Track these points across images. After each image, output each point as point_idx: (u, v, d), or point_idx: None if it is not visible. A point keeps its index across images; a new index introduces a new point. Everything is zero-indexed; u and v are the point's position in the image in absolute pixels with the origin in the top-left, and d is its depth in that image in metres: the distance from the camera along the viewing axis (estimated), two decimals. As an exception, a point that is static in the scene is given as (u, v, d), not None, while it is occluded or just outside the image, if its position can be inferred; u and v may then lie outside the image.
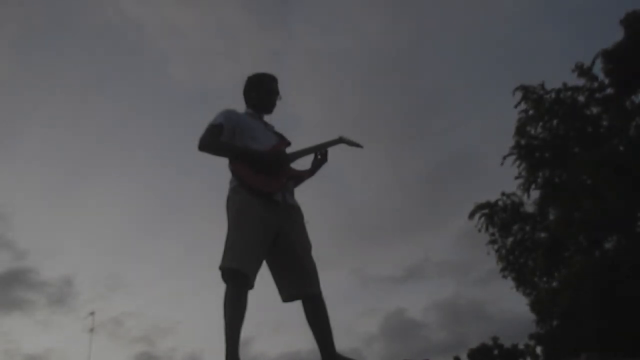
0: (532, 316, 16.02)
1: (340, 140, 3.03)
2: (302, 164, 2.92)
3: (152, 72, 43.48)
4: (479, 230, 16.90)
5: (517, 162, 16.10)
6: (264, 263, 2.63)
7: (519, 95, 16.22)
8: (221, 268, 2.50)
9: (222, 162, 2.74)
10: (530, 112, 15.91)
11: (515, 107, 16.16)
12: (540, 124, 15.84)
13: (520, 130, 16.01)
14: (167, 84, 42.33)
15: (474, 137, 41.80)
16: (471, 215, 17.07)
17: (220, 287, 2.50)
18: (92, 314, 12.56)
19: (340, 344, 2.60)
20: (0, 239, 31.21)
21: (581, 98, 15.57)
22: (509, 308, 42.39)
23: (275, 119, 3.01)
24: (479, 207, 17.08)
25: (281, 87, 3.00)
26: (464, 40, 43.95)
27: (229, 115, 2.78)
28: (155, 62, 41.18)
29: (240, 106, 2.96)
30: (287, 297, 2.62)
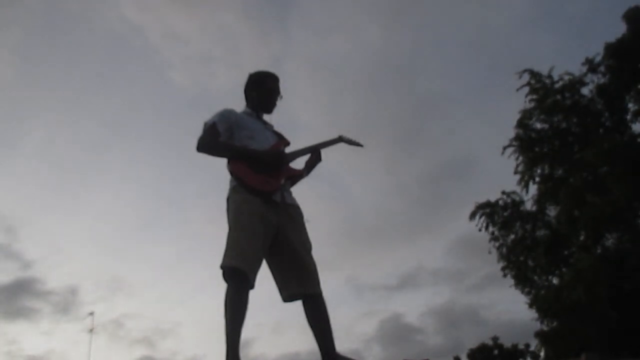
0: (528, 318, 16.04)
1: (340, 140, 3.02)
2: (297, 163, 2.91)
3: (153, 77, 43.49)
4: (480, 230, 16.86)
5: (516, 155, 16.10)
6: (264, 263, 2.62)
7: (519, 81, 16.13)
8: (222, 267, 2.48)
9: (222, 163, 2.73)
10: (533, 103, 15.82)
11: (518, 90, 16.06)
12: (542, 117, 15.78)
13: (522, 123, 15.95)
14: (168, 89, 42.35)
15: (473, 142, 41.82)
16: (472, 216, 17.04)
17: (221, 288, 2.50)
18: (91, 314, 12.56)
19: (338, 345, 2.60)
20: (7, 249, 31.36)
21: (586, 92, 15.56)
22: (504, 313, 42.53)
23: (274, 122, 3.00)
24: (480, 207, 17.04)
25: (281, 90, 2.97)
26: (463, 44, 43.95)
27: (227, 114, 2.77)
28: (156, 68, 41.18)
29: (240, 108, 2.94)
30: (287, 296, 2.61)
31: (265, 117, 2.97)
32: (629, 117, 15.17)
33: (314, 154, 2.92)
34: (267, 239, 2.57)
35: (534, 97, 15.81)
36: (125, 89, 42.33)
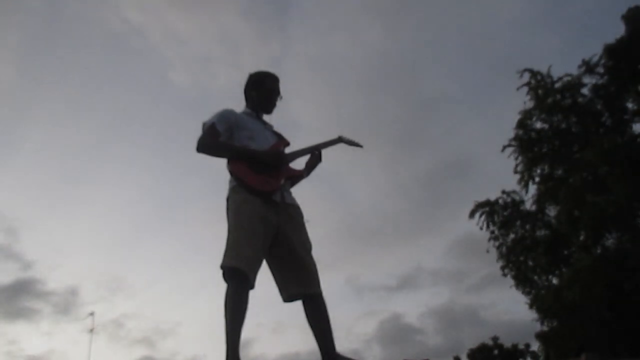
0: (527, 318, 16.04)
1: (340, 140, 3.01)
2: (297, 163, 2.91)
3: (153, 78, 43.53)
4: (480, 228, 16.85)
5: (515, 155, 16.10)
6: (264, 263, 2.62)
7: (519, 80, 16.15)
8: (222, 267, 2.49)
9: (221, 163, 2.73)
10: (532, 102, 15.83)
11: (518, 89, 16.07)
12: (542, 116, 15.79)
13: (522, 123, 15.96)
14: (168, 89, 42.40)
15: (473, 142, 41.89)
16: (471, 214, 17.03)
17: (221, 288, 2.50)
18: (91, 314, 12.52)
19: (338, 346, 2.61)
20: (8, 250, 31.39)
21: (585, 92, 15.55)
22: (504, 313, 42.67)
23: (274, 122, 3.00)
24: (479, 206, 17.03)
25: (281, 91, 2.97)
26: (464, 45, 44.00)
27: (226, 115, 2.76)
28: (157, 68, 41.26)
29: (240, 109, 2.94)
30: (287, 297, 2.61)
31: (265, 117, 2.97)
32: (628, 117, 15.18)
33: (315, 154, 2.93)
34: (267, 239, 2.57)
35: (534, 95, 15.83)
36: (125, 89, 42.45)
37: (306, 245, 2.68)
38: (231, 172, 2.68)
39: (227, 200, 2.69)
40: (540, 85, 15.75)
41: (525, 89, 16.07)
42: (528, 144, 15.85)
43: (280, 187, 2.70)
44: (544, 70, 15.95)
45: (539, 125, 16.01)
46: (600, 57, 15.00)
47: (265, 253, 2.58)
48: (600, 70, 15.15)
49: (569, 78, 15.54)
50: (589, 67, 15.27)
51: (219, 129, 2.70)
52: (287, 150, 2.86)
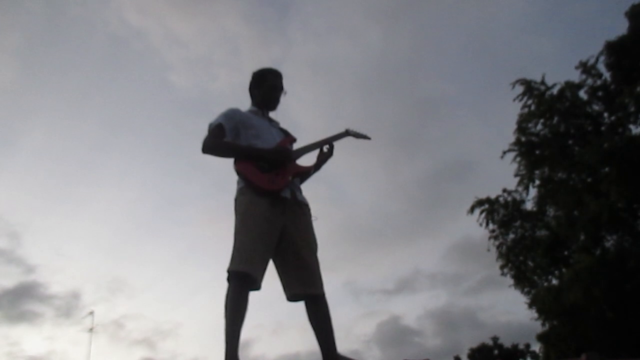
0: (525, 320, 16.01)
1: (347, 134, 2.98)
2: (305, 159, 2.87)
3: (153, 80, 43.35)
4: (480, 225, 16.79)
5: (517, 159, 16.05)
6: (271, 262, 2.60)
7: (517, 89, 16.14)
8: (229, 271, 2.47)
9: (222, 164, 2.71)
10: (532, 107, 15.79)
11: (514, 100, 16.06)
12: (542, 120, 15.75)
13: (521, 127, 15.92)
14: (168, 91, 42.30)
15: (472, 144, 41.77)
16: (471, 210, 16.97)
17: (222, 288, 2.48)
18: (91, 313, 12.51)
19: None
20: (10, 254, 31.33)
21: (583, 94, 15.51)
22: (501, 315, 42.65)
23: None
24: (479, 203, 16.96)
25: (285, 88, 2.94)
26: (463, 47, 43.92)
27: (231, 114, 2.74)
28: (157, 70, 41.08)
29: (245, 108, 2.91)
30: (291, 296, 2.58)
31: (272, 114, 2.94)
32: (627, 117, 15.11)
33: (325, 149, 2.90)
34: (272, 240, 2.55)
35: (530, 103, 15.79)
36: (125, 91, 42.25)
37: (311, 245, 2.66)
38: (238, 172, 2.66)
39: (235, 201, 2.66)
40: (536, 95, 15.70)
41: (521, 97, 16.05)
42: (528, 148, 15.80)
43: (289, 184, 2.67)
44: (542, 72, 15.94)
45: (539, 127, 15.98)
46: (597, 58, 14.96)
47: (271, 254, 2.56)
48: (597, 71, 15.12)
49: (566, 82, 15.47)
50: (585, 68, 15.23)
51: (225, 129, 2.68)
52: (294, 146, 2.83)
